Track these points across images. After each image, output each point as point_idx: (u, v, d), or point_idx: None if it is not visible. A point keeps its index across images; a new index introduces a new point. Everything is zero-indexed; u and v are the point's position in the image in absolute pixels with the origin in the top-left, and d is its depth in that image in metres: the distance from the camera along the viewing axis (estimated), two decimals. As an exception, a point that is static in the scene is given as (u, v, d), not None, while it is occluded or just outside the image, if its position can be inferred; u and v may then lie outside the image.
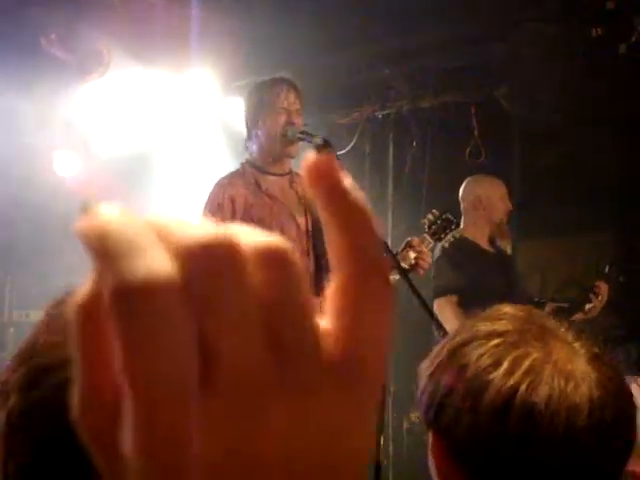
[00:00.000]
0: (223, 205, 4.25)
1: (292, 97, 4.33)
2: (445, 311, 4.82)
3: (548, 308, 5.27)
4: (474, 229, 5.50)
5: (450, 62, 6.62)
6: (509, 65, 6.36)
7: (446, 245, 5.24)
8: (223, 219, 4.20)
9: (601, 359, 1.23)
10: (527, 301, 4.87)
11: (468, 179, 5.67)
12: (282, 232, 4.28)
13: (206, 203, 4.31)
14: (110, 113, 6.67)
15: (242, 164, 4.47)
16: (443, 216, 4.53)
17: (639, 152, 6.39)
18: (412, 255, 4.22)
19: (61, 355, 0.85)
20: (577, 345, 1.23)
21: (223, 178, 4.41)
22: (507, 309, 1.30)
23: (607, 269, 5.35)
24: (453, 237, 5.41)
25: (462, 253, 5.29)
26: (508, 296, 4.69)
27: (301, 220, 4.39)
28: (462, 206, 5.57)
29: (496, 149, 6.85)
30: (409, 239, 4.32)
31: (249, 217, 4.26)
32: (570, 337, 1.24)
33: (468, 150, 6.77)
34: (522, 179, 7.06)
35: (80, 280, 0.41)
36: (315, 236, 4.39)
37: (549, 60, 6.01)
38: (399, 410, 6.38)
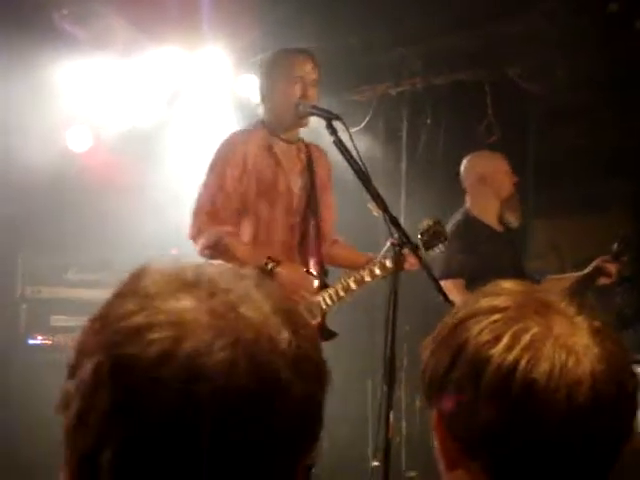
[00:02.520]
0: (235, 159, 4.32)
1: (309, 67, 4.34)
2: (452, 294, 4.77)
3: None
4: (482, 207, 5.43)
5: (465, 40, 6.58)
6: (524, 43, 6.31)
7: (454, 227, 5.20)
8: (231, 172, 4.26)
9: (604, 333, 1.21)
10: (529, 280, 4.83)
11: (468, 157, 5.59)
12: (276, 201, 4.36)
13: (218, 153, 4.38)
14: (123, 90, 6.66)
15: (256, 123, 4.49)
16: (435, 227, 4.43)
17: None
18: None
19: (149, 318, 0.92)
20: (579, 319, 1.21)
21: (238, 132, 4.49)
22: (507, 285, 1.29)
23: (615, 246, 5.30)
24: (461, 216, 5.37)
25: (470, 234, 5.24)
26: (518, 276, 4.68)
27: (298, 193, 4.45)
28: (465, 184, 5.50)
29: (510, 127, 6.82)
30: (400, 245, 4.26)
31: (255, 177, 4.33)
32: (572, 311, 1.22)
33: (482, 128, 6.73)
34: (536, 158, 7.04)
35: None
36: (309, 208, 4.44)
37: (564, 38, 5.97)
38: (412, 388, 6.38)
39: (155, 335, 0.90)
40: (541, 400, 1.14)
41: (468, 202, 5.44)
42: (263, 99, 4.48)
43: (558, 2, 5.89)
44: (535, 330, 1.18)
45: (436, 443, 1.27)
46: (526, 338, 1.17)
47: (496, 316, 1.21)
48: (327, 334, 4.29)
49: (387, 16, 6.36)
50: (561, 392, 1.14)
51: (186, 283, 0.97)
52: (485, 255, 5.17)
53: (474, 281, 5.04)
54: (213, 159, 4.37)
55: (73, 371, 0.95)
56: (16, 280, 6.41)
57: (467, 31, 6.47)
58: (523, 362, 1.15)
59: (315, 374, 0.98)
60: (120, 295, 0.97)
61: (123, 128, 6.75)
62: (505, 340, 1.17)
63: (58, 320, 6.36)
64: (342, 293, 4.27)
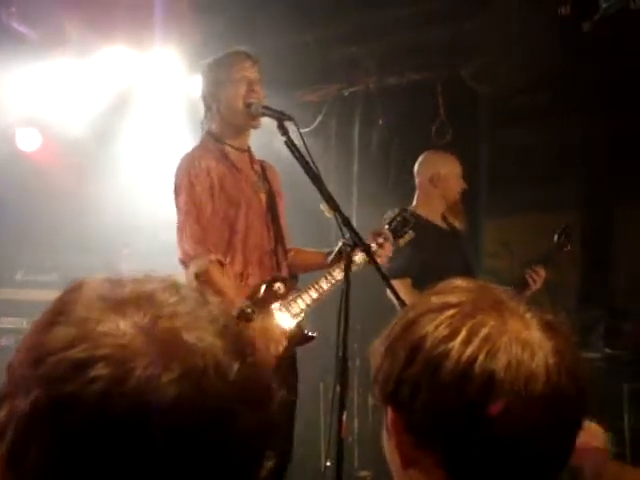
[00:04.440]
0: (200, 175, 4.24)
1: (248, 65, 4.33)
2: (400, 293, 4.77)
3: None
4: (428, 206, 5.45)
5: (417, 40, 6.61)
6: (476, 44, 6.35)
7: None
8: (202, 188, 4.21)
9: (554, 327, 1.23)
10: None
11: (425, 154, 5.60)
12: (248, 205, 4.31)
13: (181, 173, 4.27)
14: (73, 90, 6.60)
15: (204, 136, 4.44)
16: (402, 214, 4.53)
17: (606, 131, 6.42)
18: (374, 245, 4.25)
19: (90, 352, 0.87)
20: (528, 316, 1.23)
21: (193, 150, 4.39)
22: (458, 282, 1.30)
23: (556, 238, 5.34)
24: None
25: (418, 233, 5.27)
26: (466, 274, 4.69)
27: (262, 196, 4.41)
28: (417, 181, 5.52)
29: (463, 128, 6.85)
30: (373, 230, 4.35)
31: (221, 188, 4.27)
32: (521, 309, 1.24)
33: (434, 128, 6.76)
34: (489, 158, 7.08)
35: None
36: (272, 214, 4.41)
37: (515, 38, 6.01)
38: (364, 387, 6.39)
39: (97, 372, 0.85)
40: (500, 391, 1.15)
41: (415, 200, 5.46)
42: (209, 108, 4.42)
43: (511, 3, 5.93)
44: (491, 324, 1.19)
45: (388, 443, 1.27)
46: (483, 332, 1.18)
47: (451, 311, 1.21)
48: (305, 338, 4.27)
49: (339, 14, 6.37)
50: (519, 384, 1.15)
51: (124, 303, 0.92)
52: (432, 253, 5.19)
53: (421, 280, 5.06)
54: (177, 181, 4.27)
55: (5, 398, 0.91)
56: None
57: (420, 31, 6.50)
58: (482, 355, 1.16)
59: (265, 401, 0.96)
60: (55, 320, 0.92)
61: (72, 128, 6.68)
62: (463, 334, 1.18)
63: (5, 322, 6.29)
64: (315, 295, 4.25)
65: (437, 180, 5.40)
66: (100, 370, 0.85)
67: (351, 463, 6.24)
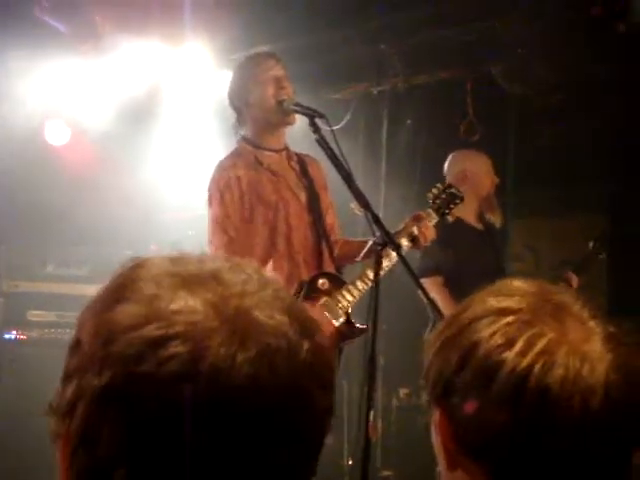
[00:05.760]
0: (230, 184, 4.25)
1: (272, 64, 4.33)
2: (430, 292, 4.73)
3: None
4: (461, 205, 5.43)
5: (446, 39, 6.58)
6: (506, 43, 6.32)
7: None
8: (231, 198, 4.21)
9: (617, 339, 1.18)
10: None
11: (453, 153, 5.61)
12: (287, 207, 4.29)
13: (213, 184, 4.29)
14: (103, 84, 6.62)
15: (238, 142, 4.44)
16: (447, 190, 4.47)
17: (635, 134, 6.37)
18: (415, 229, 4.20)
19: (163, 330, 0.86)
20: (592, 323, 1.18)
21: (225, 159, 4.39)
22: (518, 284, 1.25)
23: (591, 245, 5.32)
24: None
25: (449, 231, 5.23)
26: (498, 274, 4.66)
27: (301, 195, 4.38)
28: (446, 181, 5.50)
29: (491, 127, 6.82)
30: (416, 213, 4.31)
31: (255, 195, 4.26)
32: (586, 315, 1.19)
33: (462, 128, 6.73)
34: (517, 158, 7.05)
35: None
36: (314, 211, 4.37)
37: (546, 38, 5.97)
38: (389, 387, 6.38)
39: (172, 350, 0.85)
40: (554, 407, 1.11)
41: None
42: (240, 113, 4.43)
43: (542, 2, 5.89)
44: (550, 335, 1.15)
45: (436, 442, 1.24)
46: (540, 343, 1.14)
47: (509, 318, 1.17)
48: (356, 331, 4.24)
49: (368, 12, 6.36)
50: (575, 399, 1.11)
51: (192, 280, 0.91)
52: (464, 253, 5.17)
53: (453, 279, 5.04)
54: (210, 192, 4.29)
55: (71, 375, 0.91)
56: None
57: (449, 29, 6.47)
58: (537, 368, 1.12)
59: (331, 380, 0.96)
60: (121, 297, 0.91)
61: (102, 122, 6.70)
62: (519, 344, 1.14)
63: (35, 315, 6.32)
64: (362, 287, 4.21)
65: (465, 177, 5.38)
66: (175, 348, 0.85)
67: (374, 462, 6.23)
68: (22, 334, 6.26)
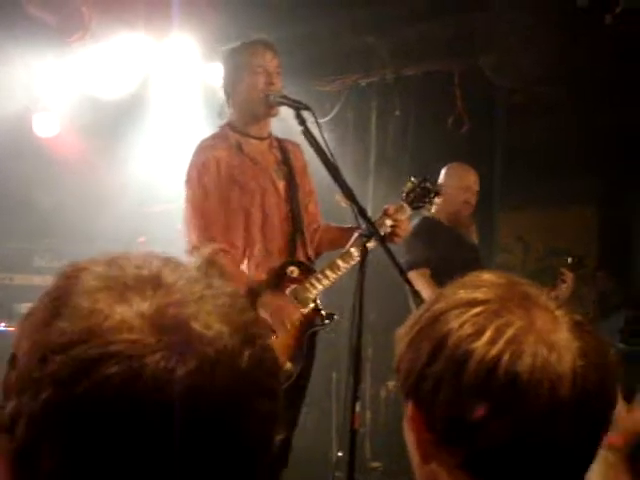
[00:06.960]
0: (209, 165, 4.22)
1: (269, 56, 4.30)
2: (418, 284, 4.72)
3: None
4: (437, 213, 5.45)
5: (435, 30, 6.58)
6: (494, 35, 6.33)
7: (415, 226, 5.18)
8: (209, 179, 4.20)
9: (583, 327, 1.20)
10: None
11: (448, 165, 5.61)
12: (263, 196, 4.28)
13: (191, 164, 4.27)
14: (89, 76, 6.60)
15: (223, 126, 4.43)
16: (422, 184, 4.42)
17: (626, 125, 6.38)
18: (388, 223, 4.18)
19: (99, 349, 0.84)
20: (559, 313, 1.20)
21: (206, 140, 4.37)
22: (487, 276, 1.27)
23: (570, 261, 5.34)
24: (421, 218, 5.38)
25: (430, 230, 5.25)
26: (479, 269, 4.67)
27: (280, 184, 4.37)
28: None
29: (480, 119, 6.83)
30: (386, 207, 4.28)
31: (232, 179, 4.24)
32: (552, 305, 1.21)
33: (451, 119, 6.74)
34: (505, 150, 7.06)
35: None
36: (292, 200, 4.38)
37: (534, 31, 5.98)
38: (377, 378, 6.40)
39: (108, 370, 0.82)
40: (524, 394, 1.13)
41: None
42: (228, 97, 4.42)
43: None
44: (518, 324, 1.16)
45: (410, 436, 1.25)
46: (509, 332, 1.15)
47: (478, 309, 1.19)
48: (325, 317, 4.24)
49: (356, 4, 6.36)
50: (544, 387, 1.13)
51: (128, 289, 0.89)
52: (448, 249, 5.20)
53: (439, 272, 5.06)
54: (187, 172, 4.27)
55: (10, 392, 0.88)
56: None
57: (437, 21, 6.47)
58: (506, 356, 1.14)
59: (276, 386, 0.94)
60: (56, 312, 0.88)
61: (90, 115, 6.69)
62: (488, 334, 1.16)
63: (23, 308, 6.31)
64: (331, 275, 4.20)
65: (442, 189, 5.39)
66: (112, 368, 0.83)
67: (363, 454, 6.25)
68: (11, 327, 6.25)
